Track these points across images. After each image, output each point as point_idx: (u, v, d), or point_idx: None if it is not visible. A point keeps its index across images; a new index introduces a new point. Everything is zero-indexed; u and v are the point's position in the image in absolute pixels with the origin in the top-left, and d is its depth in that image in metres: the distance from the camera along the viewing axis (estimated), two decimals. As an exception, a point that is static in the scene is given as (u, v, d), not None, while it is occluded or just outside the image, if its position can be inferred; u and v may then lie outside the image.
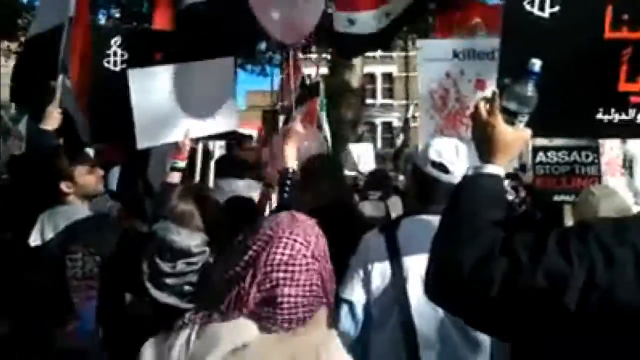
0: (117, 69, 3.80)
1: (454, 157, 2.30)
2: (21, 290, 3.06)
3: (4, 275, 3.31)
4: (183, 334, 1.62)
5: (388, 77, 39.65)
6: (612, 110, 2.59)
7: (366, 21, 4.85)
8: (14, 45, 16.62)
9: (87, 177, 3.07)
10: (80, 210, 3.02)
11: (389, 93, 39.62)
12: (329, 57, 9.88)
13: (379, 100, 38.90)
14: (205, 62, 3.64)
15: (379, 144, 32.29)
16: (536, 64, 1.53)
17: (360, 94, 10.26)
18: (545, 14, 2.51)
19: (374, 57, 33.69)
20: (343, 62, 9.38)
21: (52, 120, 3.55)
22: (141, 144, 3.51)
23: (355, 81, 10.21)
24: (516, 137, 1.53)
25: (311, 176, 2.98)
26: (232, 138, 4.80)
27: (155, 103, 3.52)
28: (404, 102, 37.87)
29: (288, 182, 2.70)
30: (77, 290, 2.77)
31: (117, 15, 16.53)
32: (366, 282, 2.23)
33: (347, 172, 6.00)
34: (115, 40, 3.81)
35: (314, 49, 15.08)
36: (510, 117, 1.53)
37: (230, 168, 3.96)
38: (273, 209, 2.84)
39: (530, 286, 1.21)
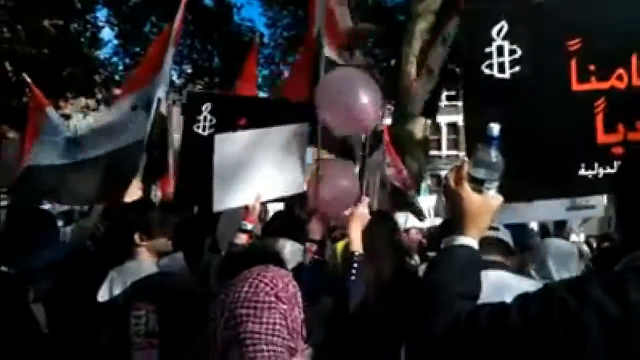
0: (205, 133, 3.95)
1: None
2: (88, 345, 3.11)
3: (72, 329, 3.38)
4: None
5: (453, 127, 39.39)
6: (596, 165, 2.48)
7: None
8: (91, 102, 17.57)
9: (159, 232, 3.18)
10: (148, 266, 3.11)
11: (455, 143, 39.27)
12: (391, 107, 9.90)
13: (444, 151, 38.58)
14: (283, 127, 3.75)
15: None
16: (494, 128, 1.51)
17: (424, 145, 10.18)
18: (506, 75, 2.45)
19: (455, 106, 33.65)
20: (406, 112, 9.37)
21: (134, 193, 3.74)
22: (217, 206, 3.65)
23: (419, 132, 10.15)
24: (484, 205, 1.51)
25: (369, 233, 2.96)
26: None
27: (233, 167, 3.66)
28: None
29: (355, 265, 2.68)
30: (139, 347, 2.80)
31: (189, 70, 17.24)
32: None
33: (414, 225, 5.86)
34: (206, 107, 3.95)
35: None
36: (477, 185, 1.51)
37: (279, 227, 4.01)
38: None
39: (492, 353, 1.25)
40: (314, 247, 3.39)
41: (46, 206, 5.20)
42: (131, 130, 4.68)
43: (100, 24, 17.28)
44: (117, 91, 17.65)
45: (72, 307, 3.24)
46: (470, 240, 1.49)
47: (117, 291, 2.95)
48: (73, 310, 3.23)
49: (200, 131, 3.99)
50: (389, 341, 2.59)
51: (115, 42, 17.71)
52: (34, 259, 3.30)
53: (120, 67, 17.64)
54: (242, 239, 3.40)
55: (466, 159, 1.57)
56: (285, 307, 1.61)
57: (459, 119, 38.81)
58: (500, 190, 1.55)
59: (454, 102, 35.40)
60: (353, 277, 2.66)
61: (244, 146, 3.70)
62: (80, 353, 3.14)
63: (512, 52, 2.46)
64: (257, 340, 1.56)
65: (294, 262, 3.46)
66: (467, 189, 1.51)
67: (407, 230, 5.00)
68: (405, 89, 10.14)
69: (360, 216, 2.95)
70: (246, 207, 3.57)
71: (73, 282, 3.34)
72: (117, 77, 17.43)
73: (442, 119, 37.74)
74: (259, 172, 3.70)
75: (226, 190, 3.63)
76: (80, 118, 18.87)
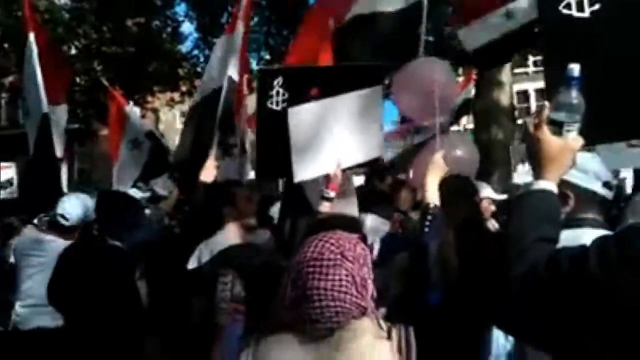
0: (279, 108, 3.97)
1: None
2: (177, 310, 3.25)
3: (164, 296, 3.55)
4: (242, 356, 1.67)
5: (542, 93, 37.81)
6: None
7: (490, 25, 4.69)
8: (176, 95, 18.11)
9: (245, 205, 3.34)
10: (235, 237, 3.25)
11: (544, 111, 37.78)
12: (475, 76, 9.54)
13: (534, 119, 37.20)
14: (355, 93, 3.75)
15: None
16: (575, 68, 1.48)
17: (511, 113, 9.76)
18: (586, 14, 2.31)
19: (526, 74, 32.31)
20: (490, 80, 9.00)
21: (210, 172, 3.84)
22: (298, 177, 3.70)
23: (505, 100, 9.74)
24: (563, 148, 1.49)
25: (448, 196, 2.84)
26: (372, 169, 4.82)
27: (310, 137, 3.71)
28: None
29: (429, 217, 2.60)
30: (225, 311, 2.92)
31: (267, 57, 17.36)
32: None
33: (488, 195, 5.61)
34: (278, 81, 3.96)
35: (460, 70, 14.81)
36: (557, 127, 1.49)
37: (361, 201, 3.95)
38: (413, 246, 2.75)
39: (573, 297, 1.23)
40: (400, 217, 3.31)
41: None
42: (206, 110, 4.81)
43: (180, 18, 17.74)
44: (200, 83, 18.15)
45: (165, 280, 3.41)
46: (548, 184, 1.48)
47: (205, 259, 3.10)
48: (166, 283, 3.40)
49: (274, 106, 4.00)
50: (466, 299, 2.52)
51: (195, 35, 18.08)
52: (124, 238, 3.57)
53: (202, 60, 18.00)
54: (325, 206, 3.42)
55: (546, 103, 1.53)
56: (351, 265, 1.60)
57: (529, 86, 37.35)
58: (581, 132, 1.50)
59: (541, 68, 33.99)
60: (427, 230, 2.61)
61: (319, 116, 3.71)
62: (173, 322, 3.28)
63: None
64: (323, 296, 1.56)
65: (376, 236, 3.43)
66: (546, 132, 1.48)
67: (480, 200, 4.79)
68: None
69: (436, 166, 2.84)
70: (327, 176, 3.57)
71: (165, 258, 3.49)
72: (199, 69, 17.83)
73: (530, 86, 36.31)
74: (336, 140, 3.70)
75: (306, 161, 3.67)
76: (167, 111, 19.56)
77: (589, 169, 2.02)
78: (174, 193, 4.34)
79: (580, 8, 2.32)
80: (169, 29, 17.39)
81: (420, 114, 3.92)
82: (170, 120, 28.56)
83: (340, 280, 1.57)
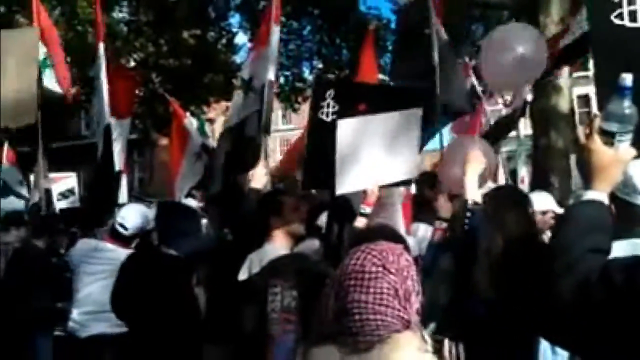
0: (329, 119, 4.01)
1: None
2: (230, 320, 3.29)
3: (222, 304, 3.61)
4: None
5: (584, 98, 36.58)
6: None
7: None
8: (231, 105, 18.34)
9: (292, 215, 3.36)
10: (283, 248, 3.28)
11: (586, 117, 36.52)
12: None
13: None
14: (395, 113, 3.83)
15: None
16: (627, 78, 1.45)
17: (571, 118, 9.45)
18: (639, 24, 2.30)
19: (586, 77, 31.37)
20: (548, 84, 8.75)
21: (259, 179, 3.89)
22: (339, 190, 3.79)
23: (564, 104, 9.44)
24: (614, 159, 1.47)
25: (496, 207, 2.76)
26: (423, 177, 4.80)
27: (353, 151, 3.80)
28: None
29: (468, 214, 2.55)
30: (276, 322, 2.92)
31: (320, 65, 17.44)
32: None
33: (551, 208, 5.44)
34: (330, 93, 4.02)
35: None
36: (608, 138, 1.46)
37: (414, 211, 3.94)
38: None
39: (627, 310, 1.20)
40: (444, 225, 3.28)
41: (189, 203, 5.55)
42: (243, 111, 4.94)
43: (234, 29, 18.03)
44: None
45: (221, 289, 3.46)
46: (599, 194, 1.46)
47: (255, 270, 3.14)
48: (222, 292, 3.44)
49: (324, 117, 4.04)
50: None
51: (249, 45, 18.31)
52: (182, 247, 3.63)
53: (256, 69, 18.25)
54: (361, 222, 3.51)
55: (598, 112, 1.52)
56: (394, 277, 1.57)
57: (589, 90, 36.16)
58: (634, 143, 1.48)
59: (583, 73, 32.93)
60: (467, 227, 2.57)
61: (363, 131, 3.81)
62: (229, 331, 3.33)
63: None
64: (363, 309, 1.54)
65: (420, 244, 3.43)
66: (597, 143, 1.46)
67: (544, 213, 4.62)
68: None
69: (475, 160, 2.78)
70: (364, 192, 3.66)
71: (220, 267, 3.63)
72: (253, 79, 18.07)
73: (592, 90, 35.22)
74: (376, 157, 3.79)
75: (347, 175, 3.76)
76: (222, 121, 19.82)
77: (628, 180, 2.00)
78: None
79: (633, 18, 2.31)
80: (224, 40, 17.69)
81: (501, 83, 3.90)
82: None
83: (382, 293, 1.55)
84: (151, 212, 4.61)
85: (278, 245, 3.28)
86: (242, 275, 3.17)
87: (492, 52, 3.74)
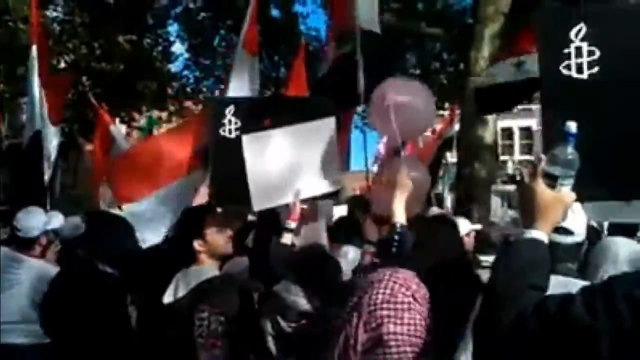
0: (233, 136, 3.96)
1: (572, 218, 2.16)
2: (154, 345, 3.22)
3: (140, 330, 3.53)
4: None
5: (526, 131, 38.25)
6: None
7: (503, 70, 4.85)
8: (164, 115, 18.08)
9: (216, 237, 3.25)
10: (210, 270, 3.19)
11: (528, 149, 38.13)
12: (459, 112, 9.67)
13: (517, 156, 37.52)
14: (309, 123, 3.77)
15: (518, 203, 30.98)
16: (572, 126, 1.56)
17: (494, 150, 9.86)
18: (584, 76, 2.45)
19: (511, 111, 32.70)
20: (474, 116, 9.12)
21: (203, 195, 3.82)
22: (257, 206, 3.70)
23: (489, 136, 9.85)
24: (556, 201, 1.55)
25: (427, 235, 2.84)
26: (354, 200, 4.83)
27: (267, 166, 3.71)
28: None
29: (396, 237, 2.61)
30: (203, 348, 2.85)
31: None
32: None
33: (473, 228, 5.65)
34: (229, 110, 3.98)
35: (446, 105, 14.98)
36: (551, 181, 1.55)
37: (342, 232, 3.94)
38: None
39: (559, 343, 1.28)
40: (372, 249, 3.33)
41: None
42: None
43: (172, 38, 17.81)
44: (188, 103, 18.20)
45: (146, 310, 3.39)
46: (539, 233, 1.52)
47: (181, 293, 3.05)
48: (146, 313, 3.38)
49: (226, 134, 3.98)
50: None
51: (186, 55, 18.15)
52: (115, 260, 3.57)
53: (191, 80, 18.06)
54: (287, 238, 3.46)
55: (542, 156, 1.60)
56: (421, 307, 1.63)
57: (532, 122, 37.77)
58: (574, 189, 1.58)
59: (527, 106, 34.45)
60: (395, 250, 2.57)
61: (272, 145, 3.74)
62: (148, 353, 3.25)
63: (590, 53, 2.47)
64: (400, 342, 1.57)
65: (352, 268, 3.43)
66: (540, 184, 1.55)
67: (467, 234, 4.81)
68: (473, 94, 9.88)
69: (402, 184, 2.85)
70: (287, 206, 3.61)
71: (144, 284, 3.49)
72: (188, 90, 17.86)
73: (515, 123, 36.73)
74: (294, 170, 3.72)
75: (263, 190, 3.68)
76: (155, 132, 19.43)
77: None
78: None
79: (580, 70, 2.45)
80: (160, 48, 17.44)
81: (384, 131, 3.89)
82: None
83: (415, 324, 1.59)
84: (76, 219, 4.48)
85: (206, 266, 3.20)
86: (167, 298, 3.07)
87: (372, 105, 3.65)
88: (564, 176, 1.55)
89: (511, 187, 8.02)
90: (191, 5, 16.89)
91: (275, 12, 16.75)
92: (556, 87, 2.50)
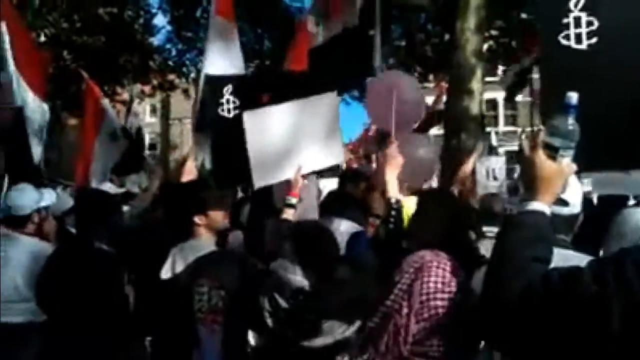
0: (230, 115, 3.92)
1: (567, 189, 2.19)
2: (152, 320, 3.21)
3: (139, 305, 3.51)
4: None
5: (511, 102, 38.36)
6: None
7: None
8: (147, 88, 17.91)
9: (216, 212, 3.22)
10: (208, 244, 3.17)
11: (513, 120, 38.30)
12: (445, 84, 9.68)
13: (502, 127, 37.70)
14: (311, 98, 3.72)
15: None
16: (573, 97, 1.55)
17: (480, 121, 9.89)
18: (583, 46, 2.46)
19: (495, 82, 32.75)
20: (461, 88, 9.12)
21: (190, 172, 3.87)
22: (258, 183, 3.66)
23: (474, 108, 9.88)
24: (557, 173, 1.55)
25: (424, 209, 2.86)
26: (346, 174, 4.83)
27: (268, 142, 3.66)
28: (528, 129, 36.34)
29: (393, 213, 2.62)
30: (203, 323, 2.85)
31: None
32: None
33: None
34: (227, 89, 3.92)
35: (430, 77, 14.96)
36: (552, 152, 1.55)
37: (334, 206, 3.90)
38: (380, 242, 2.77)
39: (568, 315, 1.27)
40: (377, 222, 3.32)
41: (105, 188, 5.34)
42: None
43: (154, 10, 17.56)
44: (172, 76, 18.01)
45: (144, 286, 3.37)
46: (542, 205, 1.53)
47: (179, 268, 3.01)
48: (144, 289, 3.35)
49: (225, 113, 3.94)
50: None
51: (169, 28, 17.92)
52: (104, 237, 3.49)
53: (174, 53, 17.86)
54: (289, 214, 3.43)
55: (542, 127, 1.60)
56: (461, 294, 1.62)
57: (497, 95, 37.84)
58: (574, 159, 1.57)
59: (492, 78, 34.45)
60: (392, 226, 2.61)
61: (277, 120, 3.68)
62: (145, 328, 3.24)
63: (589, 23, 2.46)
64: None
65: (345, 240, 3.43)
66: (541, 156, 1.54)
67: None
68: (459, 65, 9.87)
69: (392, 159, 2.86)
70: (288, 182, 3.57)
71: (138, 261, 3.46)
72: (171, 63, 17.67)
73: (499, 95, 36.78)
74: (296, 145, 3.68)
75: (264, 167, 3.64)
76: (136, 104, 19.28)
77: None
78: (151, 190, 4.25)
79: (579, 40, 2.46)
80: (142, 21, 17.18)
81: (382, 123, 3.95)
82: (140, 114, 28.23)
83: (464, 310, 1.58)
84: (64, 195, 4.44)
85: (203, 241, 3.15)
86: (165, 274, 3.01)
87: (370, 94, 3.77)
88: (565, 147, 1.55)
89: (495, 159, 8.00)
90: (173, -23, 16.63)
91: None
92: (555, 58, 2.52)
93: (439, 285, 1.59)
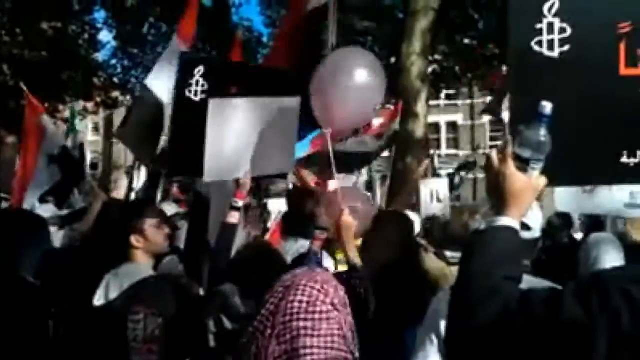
0: (197, 98, 3.79)
1: (530, 212, 2.20)
2: (84, 350, 2.98)
3: (69, 334, 3.25)
4: None
5: (452, 125, 39.34)
6: (638, 152, 2.37)
7: None
8: (89, 105, 17.51)
9: (156, 232, 3.02)
10: (145, 269, 2.96)
11: (454, 143, 39.21)
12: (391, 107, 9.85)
13: (444, 150, 38.56)
14: (273, 99, 3.51)
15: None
16: (546, 106, 1.45)
17: (424, 144, 10.13)
18: (555, 54, 2.37)
19: (437, 106, 33.52)
20: (407, 111, 9.31)
21: (122, 188, 3.67)
22: (208, 176, 3.45)
23: (419, 131, 10.11)
24: (528, 186, 1.44)
25: (377, 230, 2.89)
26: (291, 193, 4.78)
27: (226, 136, 3.45)
28: (469, 152, 37.26)
29: (355, 281, 2.58)
30: (137, 353, 2.66)
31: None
32: (441, 347, 2.06)
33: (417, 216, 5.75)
34: (199, 70, 3.81)
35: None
36: (522, 164, 1.45)
37: (296, 226, 3.82)
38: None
39: (549, 342, 1.17)
40: (324, 235, 3.28)
41: (45, 210, 5.11)
42: None
43: (99, 25, 17.25)
44: (115, 93, 17.69)
45: (68, 312, 3.13)
46: (511, 221, 1.41)
47: (113, 294, 2.80)
48: (70, 315, 3.12)
49: (192, 95, 3.77)
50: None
51: (114, 43, 17.65)
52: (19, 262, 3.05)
53: (119, 70, 17.59)
54: (234, 216, 3.30)
55: (509, 137, 1.49)
56: (340, 315, 1.52)
57: (458, 117, 38.85)
58: (543, 172, 1.48)
59: (453, 101, 35.32)
60: (360, 290, 2.56)
61: (235, 114, 3.48)
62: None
63: (562, 30, 2.37)
64: (316, 355, 1.46)
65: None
66: (511, 168, 1.43)
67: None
68: (405, 88, 10.09)
69: (348, 225, 2.85)
70: (237, 182, 3.42)
71: (66, 286, 3.18)
72: (115, 80, 17.38)
73: (441, 118, 37.66)
74: (247, 144, 3.47)
75: (218, 161, 3.42)
76: (78, 121, 18.79)
77: None
78: (92, 213, 4.00)
79: (551, 47, 2.37)
80: (86, 35, 16.85)
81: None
82: (82, 131, 27.48)
83: (332, 335, 1.48)
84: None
85: (140, 265, 2.93)
86: (98, 301, 2.80)
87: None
88: (535, 159, 1.45)
89: (438, 180, 8.22)
90: (119, -9, 16.40)
91: (206, 1, 16.52)
92: (527, 64, 2.40)
93: (304, 305, 1.48)
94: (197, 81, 3.77)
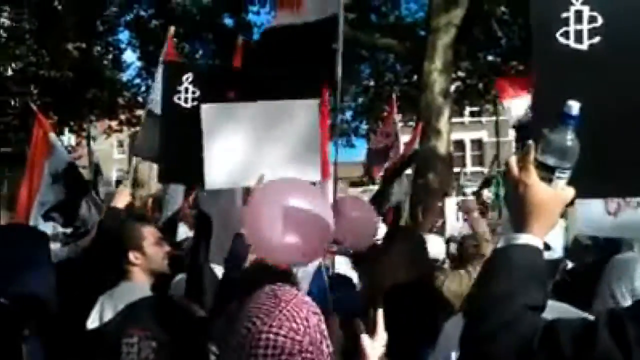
0: (188, 105, 3.70)
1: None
2: None
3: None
4: None
5: (477, 143, 39.02)
6: None
7: None
8: (114, 124, 17.74)
9: (155, 250, 2.89)
10: (142, 288, 2.81)
11: (479, 160, 38.85)
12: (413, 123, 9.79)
13: (469, 168, 38.21)
14: (288, 101, 3.33)
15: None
16: (573, 106, 1.25)
17: (448, 161, 10.01)
18: (584, 47, 2.06)
19: (462, 123, 33.33)
20: (429, 128, 9.23)
21: (123, 199, 3.67)
22: (210, 184, 3.26)
23: (442, 148, 10.01)
24: (554, 198, 1.25)
25: (387, 248, 2.81)
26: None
27: (228, 142, 3.26)
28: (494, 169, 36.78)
29: None
30: None
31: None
32: None
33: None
34: (187, 77, 3.76)
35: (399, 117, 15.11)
36: (547, 173, 1.26)
37: None
38: None
39: None
40: (334, 248, 3.19)
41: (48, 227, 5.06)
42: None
43: (122, 46, 17.51)
44: (140, 112, 17.89)
45: (63, 335, 3.01)
46: (534, 239, 1.22)
47: (108, 316, 2.68)
48: (64, 339, 3.00)
49: (182, 102, 3.63)
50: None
51: (138, 64, 17.87)
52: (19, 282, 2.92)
53: (143, 89, 17.80)
54: None
55: (531, 142, 1.28)
56: (313, 354, 1.44)
57: (483, 135, 38.55)
58: (570, 182, 1.29)
59: (478, 118, 35.06)
60: None
61: (236, 119, 3.31)
62: None
63: (592, 19, 2.06)
64: None
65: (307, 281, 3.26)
66: (534, 177, 1.24)
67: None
68: (428, 105, 10.02)
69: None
70: (247, 190, 3.16)
71: (63, 306, 3.00)
72: (139, 99, 17.59)
73: (466, 136, 37.41)
74: (262, 151, 3.26)
75: (220, 167, 3.24)
76: (103, 140, 19.03)
77: None
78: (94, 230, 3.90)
79: (579, 39, 2.08)
80: (111, 56, 17.13)
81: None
82: (107, 149, 27.87)
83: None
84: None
85: (137, 284, 2.79)
86: (92, 324, 2.68)
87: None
88: (561, 168, 1.26)
89: (463, 199, 8.08)
90: (142, 13, 16.64)
91: (228, 21, 16.68)
92: (551, 59, 2.12)
93: (272, 342, 1.42)
94: (187, 88, 3.69)
